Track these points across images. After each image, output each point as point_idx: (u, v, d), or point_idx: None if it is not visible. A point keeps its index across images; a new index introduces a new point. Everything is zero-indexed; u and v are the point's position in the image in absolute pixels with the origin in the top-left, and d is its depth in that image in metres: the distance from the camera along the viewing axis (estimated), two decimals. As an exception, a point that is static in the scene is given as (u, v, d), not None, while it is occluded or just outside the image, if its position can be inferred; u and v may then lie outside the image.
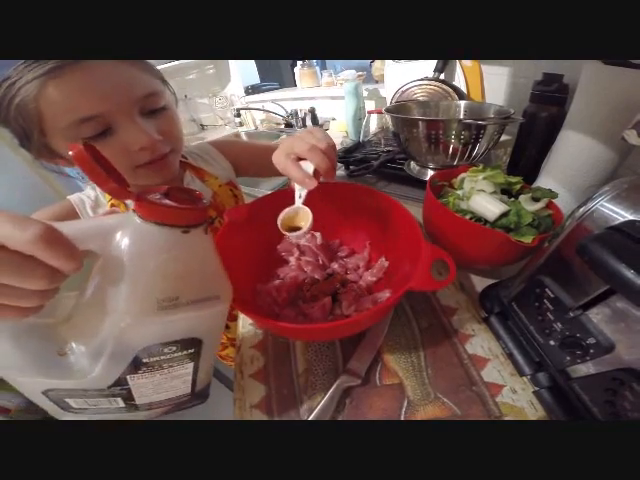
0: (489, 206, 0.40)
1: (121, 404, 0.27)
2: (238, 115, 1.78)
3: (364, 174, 0.80)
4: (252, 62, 2.03)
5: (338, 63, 1.90)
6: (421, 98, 0.91)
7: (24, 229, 0.17)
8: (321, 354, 0.40)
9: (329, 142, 0.37)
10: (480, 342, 0.39)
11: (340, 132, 1.36)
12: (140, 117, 0.42)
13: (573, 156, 0.51)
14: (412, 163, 0.76)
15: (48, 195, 2.02)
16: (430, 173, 0.70)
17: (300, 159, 0.36)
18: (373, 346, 0.39)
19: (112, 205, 0.53)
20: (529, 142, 0.66)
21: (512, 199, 0.44)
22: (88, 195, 0.54)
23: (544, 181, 0.56)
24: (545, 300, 0.31)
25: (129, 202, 0.47)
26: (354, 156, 0.88)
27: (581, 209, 0.28)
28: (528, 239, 0.37)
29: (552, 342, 0.31)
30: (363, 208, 0.48)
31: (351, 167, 0.84)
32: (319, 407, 0.33)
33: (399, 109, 0.75)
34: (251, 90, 1.86)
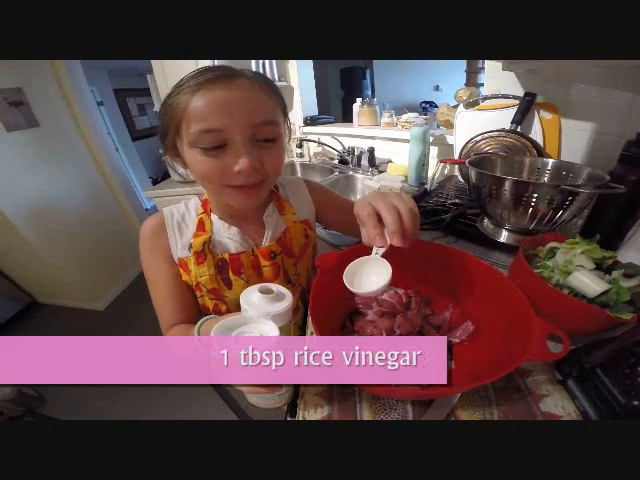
0: (591, 284, 0.41)
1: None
2: (300, 146, 1.67)
3: (434, 229, 0.76)
4: (314, 92, 1.89)
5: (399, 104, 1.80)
6: (495, 150, 0.88)
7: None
8: (389, 407, 0.41)
9: (414, 211, 0.37)
10: (554, 401, 0.39)
11: (397, 176, 1.23)
12: (250, 141, 0.44)
13: (668, 229, 0.49)
14: (485, 220, 0.74)
15: (105, 194, 2.37)
16: (504, 234, 0.68)
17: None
18: (449, 404, 0.40)
19: (200, 220, 0.55)
20: (610, 206, 0.60)
21: (605, 274, 0.44)
22: (178, 209, 0.57)
23: (629, 254, 0.53)
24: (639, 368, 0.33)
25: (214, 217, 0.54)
26: (422, 207, 0.84)
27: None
28: (627, 316, 0.38)
29: (636, 402, 0.33)
30: (449, 270, 0.49)
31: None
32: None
33: (482, 162, 0.72)
34: (309, 121, 1.80)
